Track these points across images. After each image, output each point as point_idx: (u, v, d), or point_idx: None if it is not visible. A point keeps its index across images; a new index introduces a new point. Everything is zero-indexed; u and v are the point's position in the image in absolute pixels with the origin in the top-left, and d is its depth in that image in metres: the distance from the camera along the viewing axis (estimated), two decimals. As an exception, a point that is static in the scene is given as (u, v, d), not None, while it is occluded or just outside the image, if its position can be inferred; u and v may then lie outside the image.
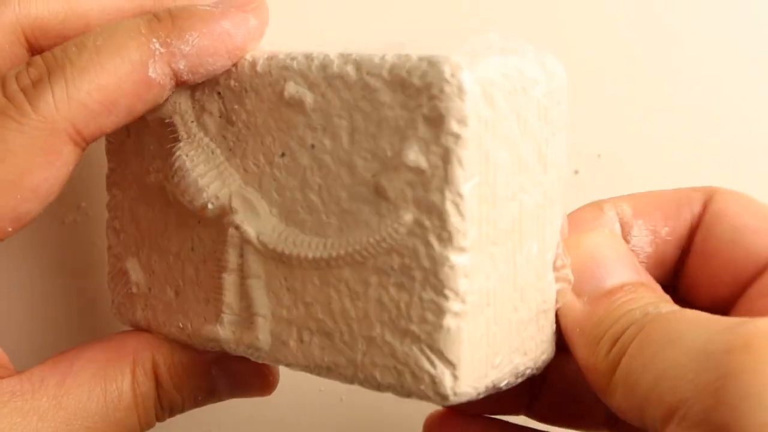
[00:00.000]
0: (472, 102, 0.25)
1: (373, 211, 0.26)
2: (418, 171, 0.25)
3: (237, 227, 0.29)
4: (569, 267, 0.29)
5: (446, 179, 0.25)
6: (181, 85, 0.29)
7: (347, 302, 0.27)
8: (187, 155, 0.30)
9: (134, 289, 0.33)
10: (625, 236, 0.31)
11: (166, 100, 0.30)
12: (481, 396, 0.27)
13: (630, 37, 0.39)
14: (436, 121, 0.25)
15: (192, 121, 0.30)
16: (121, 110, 0.28)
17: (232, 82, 0.29)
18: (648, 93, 0.40)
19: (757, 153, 0.39)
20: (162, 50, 0.28)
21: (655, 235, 0.31)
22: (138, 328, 0.33)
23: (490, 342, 0.27)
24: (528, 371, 0.29)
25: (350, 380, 0.28)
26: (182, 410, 0.33)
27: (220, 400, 0.34)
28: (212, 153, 0.30)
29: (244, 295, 0.30)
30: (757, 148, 0.39)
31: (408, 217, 0.26)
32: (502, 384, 0.28)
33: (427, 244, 0.26)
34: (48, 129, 0.28)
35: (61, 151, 0.28)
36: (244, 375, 0.33)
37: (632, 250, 0.30)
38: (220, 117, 0.30)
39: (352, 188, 0.27)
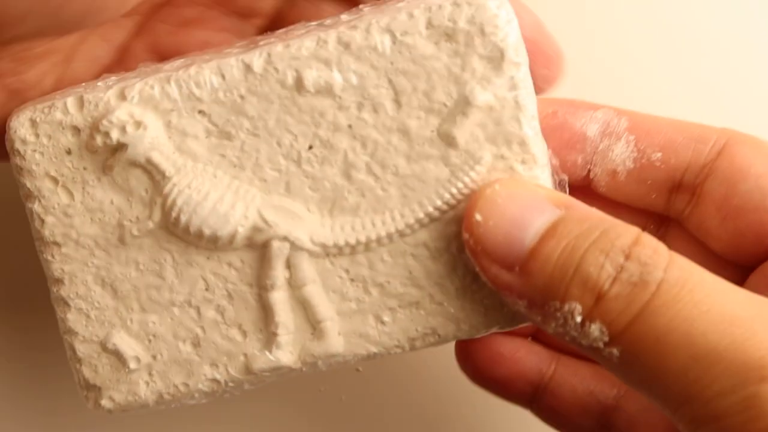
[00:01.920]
0: (517, 29, 0.26)
1: (441, 165, 0.27)
2: (488, 109, 0.26)
3: (285, 238, 0.27)
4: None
5: (518, 106, 0.26)
6: None
7: (430, 264, 0.27)
8: (189, 187, 0.27)
9: (133, 365, 0.29)
10: (608, 147, 0.30)
11: (138, 143, 0.27)
12: None
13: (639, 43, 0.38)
14: (496, 56, 0.26)
15: (173, 153, 0.27)
16: None
17: (221, 94, 0.27)
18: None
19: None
20: None
21: (642, 155, 0.29)
22: (143, 408, 0.29)
23: None
24: None
25: (452, 337, 0.28)
26: None
27: None
28: (214, 177, 0.27)
29: (303, 306, 0.28)
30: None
31: (487, 156, 0.27)
32: None
33: (513, 172, 0.27)
34: None
35: None
36: None
37: (612, 160, 0.30)
38: (207, 137, 0.27)
39: (410, 151, 0.27)
